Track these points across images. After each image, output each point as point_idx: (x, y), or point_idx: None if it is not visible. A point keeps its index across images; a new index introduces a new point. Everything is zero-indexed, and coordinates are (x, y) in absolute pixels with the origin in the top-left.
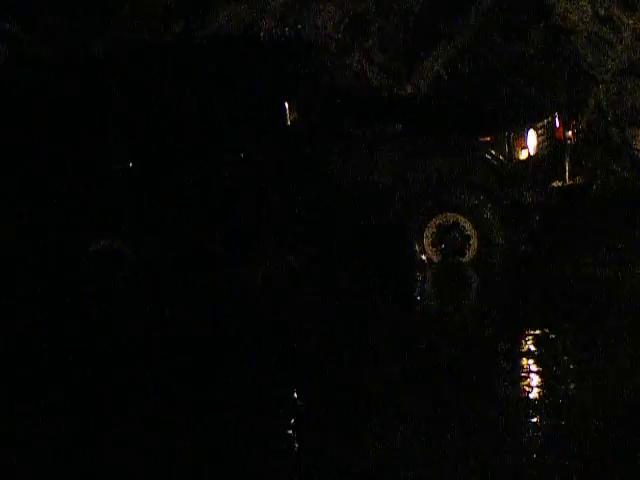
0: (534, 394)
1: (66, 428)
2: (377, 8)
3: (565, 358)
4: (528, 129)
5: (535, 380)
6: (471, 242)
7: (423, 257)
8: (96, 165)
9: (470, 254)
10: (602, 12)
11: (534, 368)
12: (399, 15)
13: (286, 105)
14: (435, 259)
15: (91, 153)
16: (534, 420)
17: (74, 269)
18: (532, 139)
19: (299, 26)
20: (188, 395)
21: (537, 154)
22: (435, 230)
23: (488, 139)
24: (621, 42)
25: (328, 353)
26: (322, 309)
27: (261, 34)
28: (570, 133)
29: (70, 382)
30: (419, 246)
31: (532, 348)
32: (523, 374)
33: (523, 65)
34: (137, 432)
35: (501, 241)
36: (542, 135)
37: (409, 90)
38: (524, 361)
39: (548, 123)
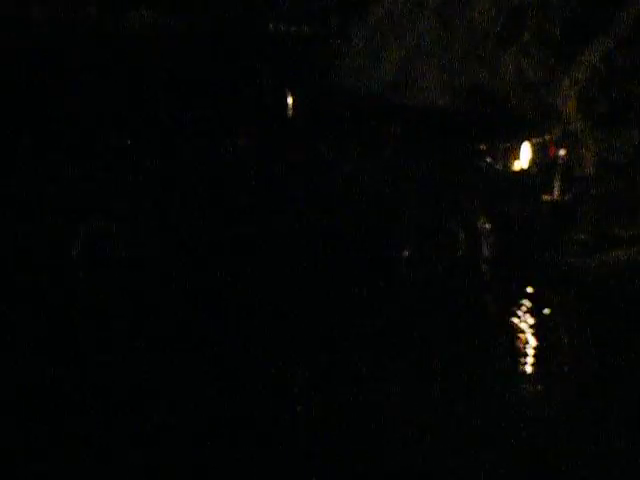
0: None
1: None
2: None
3: None
4: (522, 142)
5: None
6: (461, 246)
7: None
8: (92, 139)
9: (459, 258)
10: None
11: None
12: (556, 8)
13: (289, 95)
14: (419, 265)
15: (89, 127)
16: None
17: (61, 251)
18: (526, 153)
19: (457, 22)
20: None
21: (529, 168)
22: (419, 234)
23: (483, 147)
24: None
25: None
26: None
27: (270, 25)
28: (563, 152)
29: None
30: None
31: None
32: None
33: None
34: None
35: (490, 248)
36: (536, 151)
37: (566, 83)
38: None
39: (543, 140)
